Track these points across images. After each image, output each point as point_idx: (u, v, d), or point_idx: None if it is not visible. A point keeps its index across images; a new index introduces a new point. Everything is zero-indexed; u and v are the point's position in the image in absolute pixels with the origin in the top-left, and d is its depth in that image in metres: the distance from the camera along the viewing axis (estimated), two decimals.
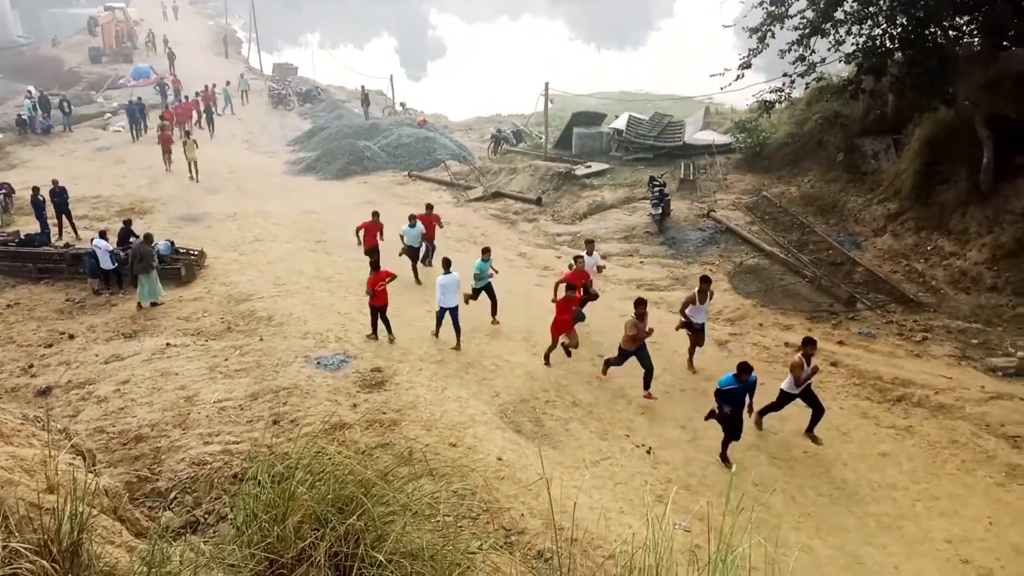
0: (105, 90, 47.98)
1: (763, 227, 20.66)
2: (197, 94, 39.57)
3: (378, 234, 18.87)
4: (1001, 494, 11.04)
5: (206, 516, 10.25)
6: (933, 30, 18.85)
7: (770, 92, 22.18)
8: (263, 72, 56.10)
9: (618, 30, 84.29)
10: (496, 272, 16.20)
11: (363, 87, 41.93)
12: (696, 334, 14.43)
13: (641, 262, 20.43)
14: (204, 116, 38.01)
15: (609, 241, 21.87)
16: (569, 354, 14.64)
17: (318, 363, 13.93)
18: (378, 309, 15.15)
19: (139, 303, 17.14)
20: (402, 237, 18.57)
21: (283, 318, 16.07)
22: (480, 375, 14.17)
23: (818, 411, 11.98)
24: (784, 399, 12.04)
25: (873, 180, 21.06)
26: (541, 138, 32.21)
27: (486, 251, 16.21)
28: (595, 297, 15.98)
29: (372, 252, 18.18)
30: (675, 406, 13.49)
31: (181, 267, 18.74)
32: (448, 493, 5.51)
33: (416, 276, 18.73)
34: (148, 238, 17.68)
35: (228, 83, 43.07)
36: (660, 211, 21.62)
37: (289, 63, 56.70)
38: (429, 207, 19.81)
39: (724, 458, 11.67)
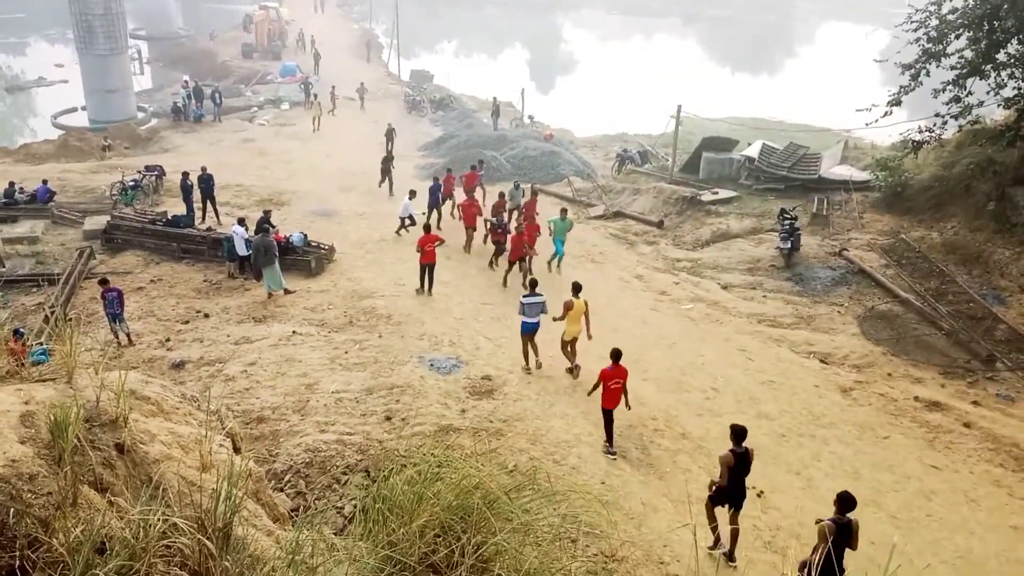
0: (254, 84, 50.70)
1: (899, 271, 19.63)
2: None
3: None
4: None
5: (315, 503, 10.64)
6: None
7: (919, 132, 21.24)
8: (400, 77, 57.94)
9: (754, 54, 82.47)
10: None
11: (495, 98, 42.59)
12: None
13: (764, 296, 19.80)
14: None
15: (732, 271, 21.35)
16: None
17: (431, 365, 14.22)
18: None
19: (269, 292, 17.96)
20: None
21: (401, 317, 16.50)
22: (588, 395, 14.07)
23: None
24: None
25: None
26: (667, 160, 31.77)
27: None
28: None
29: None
30: (791, 451, 13.01)
31: (312, 260, 19.54)
32: (554, 513, 5.51)
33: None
34: (264, 230, 18.48)
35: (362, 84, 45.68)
36: (789, 245, 20.90)
37: (425, 70, 58.32)
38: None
39: None
